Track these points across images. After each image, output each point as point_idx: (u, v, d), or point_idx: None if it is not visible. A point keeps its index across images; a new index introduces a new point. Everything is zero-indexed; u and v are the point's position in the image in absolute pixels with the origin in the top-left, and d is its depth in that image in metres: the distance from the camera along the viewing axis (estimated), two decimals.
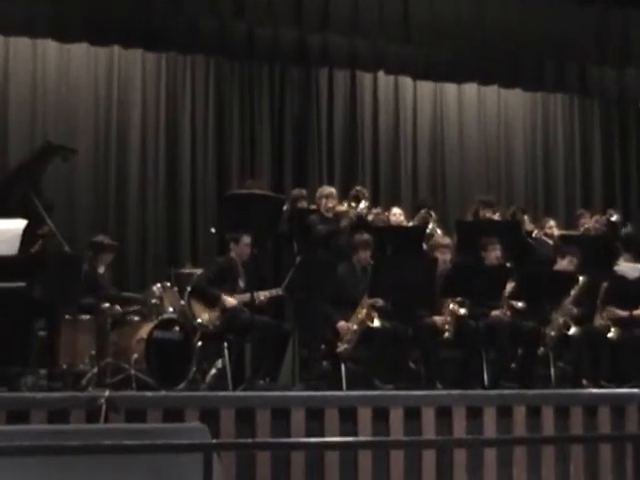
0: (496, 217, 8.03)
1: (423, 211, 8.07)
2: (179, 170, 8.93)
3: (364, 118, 9.73)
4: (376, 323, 6.43)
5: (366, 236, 6.84)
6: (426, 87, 10.07)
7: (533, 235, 8.08)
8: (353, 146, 9.61)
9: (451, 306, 6.64)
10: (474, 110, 10.23)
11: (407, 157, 9.88)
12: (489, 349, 6.71)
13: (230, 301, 6.58)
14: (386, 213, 8.00)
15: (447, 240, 7.29)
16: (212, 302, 6.56)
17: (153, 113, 8.92)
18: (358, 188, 7.88)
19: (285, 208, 7.25)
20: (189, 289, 6.67)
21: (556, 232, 8.19)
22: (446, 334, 6.62)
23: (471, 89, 10.20)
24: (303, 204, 7.80)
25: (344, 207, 7.53)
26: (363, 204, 7.61)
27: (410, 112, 9.97)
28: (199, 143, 9.03)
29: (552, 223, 8.29)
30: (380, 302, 6.55)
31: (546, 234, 8.15)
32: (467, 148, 10.12)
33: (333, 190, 7.75)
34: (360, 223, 7.44)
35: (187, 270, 7.31)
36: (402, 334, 6.53)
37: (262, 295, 6.55)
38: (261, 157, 9.22)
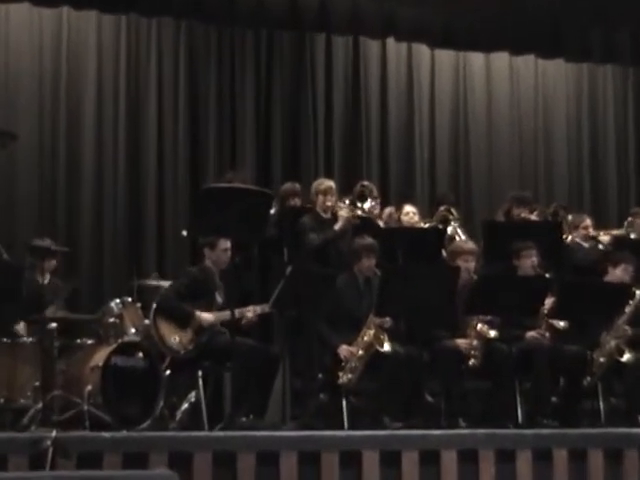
0: (533, 217, 8.05)
1: (442, 209, 8.07)
2: (143, 158, 8.92)
3: (370, 95, 9.73)
4: (386, 347, 6.45)
5: (369, 240, 6.85)
6: (446, 57, 10.09)
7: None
8: (356, 130, 9.59)
9: (478, 326, 6.67)
10: (505, 85, 10.26)
11: (423, 142, 9.87)
12: (524, 379, 6.74)
13: (206, 320, 6.60)
14: (397, 212, 8.14)
15: (472, 245, 7.28)
16: (183, 321, 6.58)
17: (110, 88, 8.95)
18: (365, 184, 7.87)
19: (273, 206, 7.25)
20: (155, 305, 6.68)
21: (592, 232, 8.20)
22: (472, 361, 6.66)
23: (501, 60, 10.25)
24: (296, 201, 7.83)
25: (345, 207, 7.52)
26: (370, 203, 7.61)
27: (427, 87, 10.01)
28: (167, 125, 9.04)
29: (588, 222, 8.28)
30: (390, 322, 6.58)
31: (586, 236, 8.15)
32: (497, 131, 10.13)
33: (332, 184, 7.72)
34: (365, 225, 7.46)
35: (153, 282, 7.34)
36: (417, 360, 6.53)
37: (245, 313, 6.58)
38: (244, 143, 9.19)
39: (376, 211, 7.70)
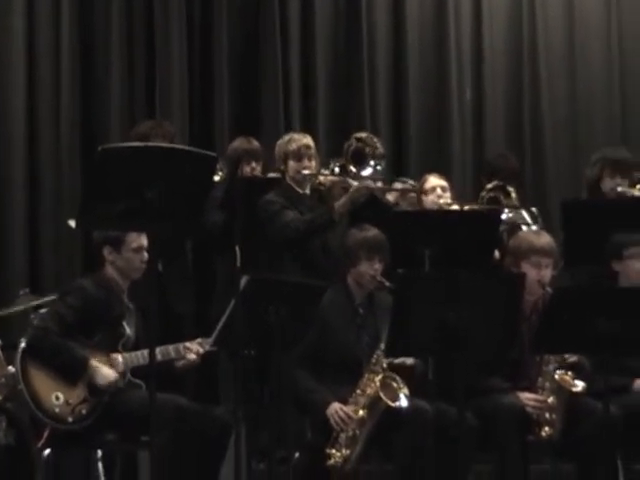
0: (637, 193, 8.00)
1: (492, 184, 8.26)
2: (6, 111, 9.17)
3: None
4: (402, 401, 6.47)
5: (373, 231, 6.92)
6: None
7: None
8: (349, 47, 9.88)
9: (556, 373, 6.63)
10: None
11: (462, 69, 10.10)
12: (631, 456, 6.74)
13: (106, 369, 6.60)
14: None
15: (548, 239, 7.11)
16: (71, 370, 6.56)
17: None
18: (362, 136, 7.91)
19: (218, 176, 7.47)
20: (24, 345, 6.66)
21: None
22: (545, 429, 6.61)
23: None
24: (254, 168, 7.94)
25: (327, 173, 7.66)
26: (372, 168, 7.68)
27: None
28: (43, 58, 9.27)
29: None
30: (409, 361, 6.68)
31: None
32: (582, 45, 10.33)
33: (309, 142, 7.80)
34: (365, 206, 7.55)
35: (19, 306, 7.48)
36: (455, 426, 6.19)
37: (172, 352, 6.65)
38: (168, 72, 9.37)
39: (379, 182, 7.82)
